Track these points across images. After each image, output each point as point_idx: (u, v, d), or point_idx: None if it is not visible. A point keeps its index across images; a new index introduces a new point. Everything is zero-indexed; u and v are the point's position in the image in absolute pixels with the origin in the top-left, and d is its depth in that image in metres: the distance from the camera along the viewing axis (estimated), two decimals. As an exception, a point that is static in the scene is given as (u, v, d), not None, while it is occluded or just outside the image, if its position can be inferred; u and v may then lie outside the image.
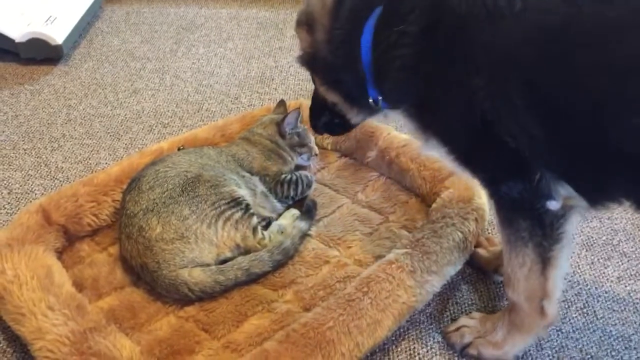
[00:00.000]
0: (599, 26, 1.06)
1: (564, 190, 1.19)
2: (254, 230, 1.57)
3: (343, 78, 1.42)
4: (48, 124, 2.20)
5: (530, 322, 1.34)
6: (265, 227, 1.63)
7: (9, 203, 1.85)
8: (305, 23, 1.44)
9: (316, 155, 1.89)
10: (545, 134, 1.11)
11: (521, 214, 1.23)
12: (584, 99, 1.07)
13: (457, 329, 1.45)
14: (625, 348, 1.44)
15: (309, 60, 1.49)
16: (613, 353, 1.43)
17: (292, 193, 1.76)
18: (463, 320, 1.47)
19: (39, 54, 2.52)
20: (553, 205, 1.20)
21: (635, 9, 1.05)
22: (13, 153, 2.05)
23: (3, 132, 2.15)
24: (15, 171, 1.97)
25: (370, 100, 1.40)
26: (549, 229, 1.23)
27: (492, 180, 1.26)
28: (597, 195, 1.19)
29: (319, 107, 1.59)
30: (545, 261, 1.26)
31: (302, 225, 1.66)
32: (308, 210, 1.70)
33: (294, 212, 1.72)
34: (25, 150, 2.07)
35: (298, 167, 1.86)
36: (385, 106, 1.40)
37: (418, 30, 1.20)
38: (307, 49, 1.48)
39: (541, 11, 1.10)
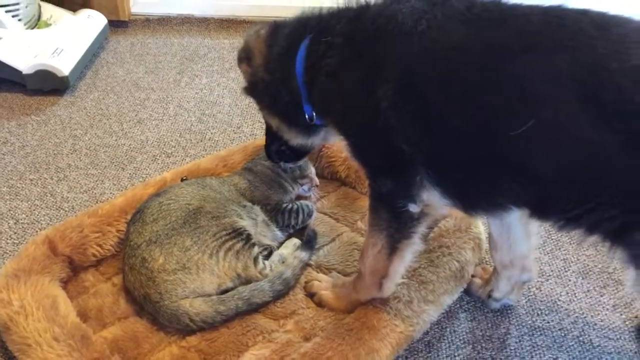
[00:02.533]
0: (489, 48, 1.19)
1: (426, 198, 1.34)
2: (255, 260, 1.60)
3: (280, 97, 1.52)
4: (54, 154, 2.25)
5: (367, 292, 1.52)
6: (267, 256, 1.66)
7: (15, 233, 1.89)
8: (245, 57, 1.58)
9: (317, 185, 1.92)
10: (435, 143, 1.25)
11: (384, 207, 1.39)
12: (470, 112, 1.19)
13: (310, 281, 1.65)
14: (621, 377, 1.47)
15: (251, 88, 1.60)
16: (609, 382, 1.46)
17: (293, 222, 1.79)
18: (320, 276, 1.67)
19: (45, 85, 2.57)
20: (413, 207, 1.35)
21: (523, 31, 1.18)
22: (20, 183, 2.10)
23: (10, 162, 2.20)
24: (21, 201, 2.02)
25: (307, 117, 1.49)
26: (402, 226, 1.39)
27: (372, 172, 1.40)
28: (479, 201, 1.33)
29: (268, 135, 1.70)
30: (393, 249, 1.42)
31: (303, 255, 1.69)
32: (309, 240, 1.74)
33: (295, 241, 1.75)
34: (31, 180, 2.11)
35: (299, 197, 1.90)
36: (319, 122, 1.50)
37: (342, 41, 1.34)
38: (249, 79, 1.60)
39: (442, 31, 1.23)
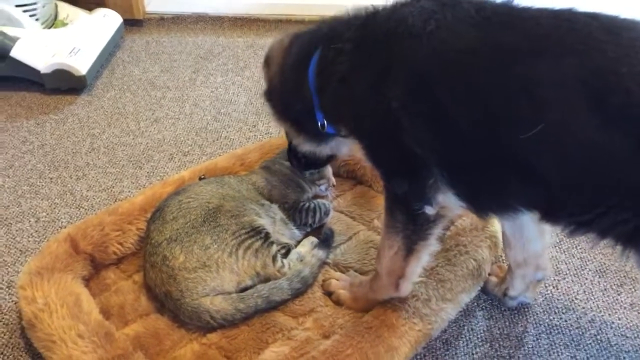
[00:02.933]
0: (497, 50, 1.19)
1: (442, 200, 1.34)
2: (274, 258, 1.62)
3: (292, 105, 1.54)
4: (73, 152, 2.28)
5: (384, 292, 1.54)
6: (285, 254, 1.68)
7: (36, 231, 1.91)
8: (265, 62, 1.63)
9: (334, 185, 1.94)
10: (445, 145, 1.26)
11: (400, 209, 1.41)
12: (480, 115, 1.20)
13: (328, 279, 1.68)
14: (639, 375, 1.48)
15: (267, 94, 1.64)
16: (626, 380, 1.47)
17: (310, 220, 1.81)
18: (337, 275, 1.69)
19: (63, 85, 2.60)
20: (429, 210, 1.36)
21: (532, 34, 1.19)
22: (40, 182, 2.12)
23: (30, 161, 2.23)
24: (42, 200, 2.04)
25: (319, 125, 1.50)
26: (419, 227, 1.40)
27: (387, 175, 1.42)
28: (489, 203, 1.34)
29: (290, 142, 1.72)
30: (409, 250, 1.43)
31: (321, 254, 1.70)
32: (326, 239, 1.75)
33: (313, 239, 1.77)
34: (51, 179, 2.14)
35: (316, 195, 1.91)
36: (330, 130, 1.51)
37: (352, 47, 1.36)
38: (266, 84, 1.64)
39: (451, 32, 1.23)
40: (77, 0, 3.07)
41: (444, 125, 1.24)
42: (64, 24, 2.83)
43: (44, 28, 2.75)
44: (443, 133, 1.25)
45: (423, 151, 1.27)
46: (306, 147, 1.64)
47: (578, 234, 1.24)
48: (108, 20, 2.94)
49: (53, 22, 2.83)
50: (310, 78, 1.44)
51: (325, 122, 1.49)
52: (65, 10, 2.92)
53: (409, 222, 1.40)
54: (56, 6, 2.88)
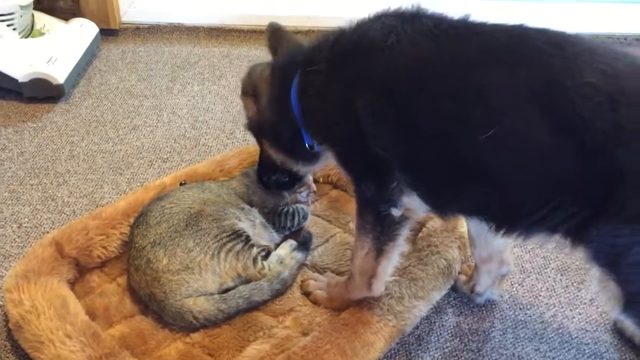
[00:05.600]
0: (454, 61, 1.30)
1: (407, 202, 1.44)
2: (254, 260, 1.69)
3: (284, 135, 1.61)
4: (52, 160, 2.31)
5: (358, 292, 1.61)
6: (265, 257, 1.74)
7: (19, 237, 1.95)
8: (252, 93, 1.66)
9: (314, 192, 2.02)
10: (406, 149, 1.36)
11: (369, 211, 1.49)
12: (437, 122, 1.30)
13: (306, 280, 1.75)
14: (598, 365, 1.58)
15: (257, 126, 1.70)
16: (586, 369, 1.57)
17: (289, 224, 1.88)
18: (315, 276, 1.77)
19: (41, 93, 2.63)
20: (395, 211, 1.46)
21: (485, 47, 1.29)
22: (21, 188, 2.16)
23: (10, 168, 2.26)
24: (23, 206, 2.08)
25: (308, 147, 1.58)
26: (386, 229, 1.49)
27: (357, 179, 1.50)
28: (449, 204, 1.45)
29: (269, 167, 1.79)
30: (379, 251, 1.52)
31: (299, 256, 1.78)
32: (304, 242, 1.83)
33: (292, 242, 1.84)
34: (32, 185, 2.17)
35: (295, 200, 1.98)
36: (318, 148, 1.59)
37: (325, 66, 1.44)
38: (254, 116, 1.68)
39: (410, 45, 1.34)
40: (54, 10, 3.09)
41: (405, 131, 1.35)
42: (41, 34, 2.86)
43: (22, 38, 2.77)
44: (404, 139, 1.35)
45: (387, 154, 1.37)
46: (305, 170, 1.77)
47: (531, 234, 1.34)
48: (84, 30, 2.97)
49: (30, 31, 2.85)
50: (294, 103, 1.51)
51: (313, 141, 1.57)
52: (42, 20, 2.94)
53: (377, 223, 1.49)
54: (33, 16, 2.90)
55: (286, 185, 1.87)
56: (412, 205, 1.46)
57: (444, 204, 1.45)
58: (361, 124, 1.37)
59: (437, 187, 1.41)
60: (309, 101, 1.49)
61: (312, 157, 1.65)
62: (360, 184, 1.48)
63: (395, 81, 1.35)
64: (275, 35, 1.68)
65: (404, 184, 1.40)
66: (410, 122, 1.34)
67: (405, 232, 1.52)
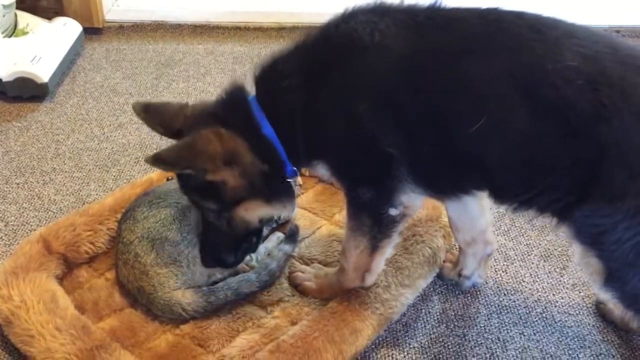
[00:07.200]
0: (437, 52, 1.31)
1: (406, 201, 1.46)
2: (242, 252, 1.70)
3: (274, 178, 1.48)
4: (38, 158, 2.31)
5: (350, 284, 1.63)
6: (253, 249, 1.76)
7: (6, 235, 1.95)
8: (229, 161, 1.41)
9: (300, 185, 2.04)
10: (412, 143, 1.35)
11: (367, 214, 1.49)
12: (432, 113, 1.32)
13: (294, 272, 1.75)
14: (581, 347, 1.61)
15: (249, 188, 1.47)
16: (570, 352, 1.60)
17: (276, 217, 1.90)
18: (302, 268, 1.76)
19: (25, 92, 2.62)
20: (393, 211, 1.47)
21: (465, 35, 1.31)
22: (7, 187, 2.16)
23: (-5, 167, 2.26)
24: (10, 204, 2.08)
25: (287, 177, 1.50)
26: (384, 228, 1.50)
27: (353, 184, 1.48)
28: (449, 187, 1.46)
29: (237, 238, 1.58)
30: (374, 248, 1.54)
31: (287, 248, 1.80)
32: (292, 234, 1.85)
33: (279, 235, 1.86)
34: (18, 184, 2.17)
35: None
36: (292, 175, 1.50)
37: (302, 80, 1.38)
38: (240, 184, 1.45)
39: (395, 40, 1.33)
40: (37, 9, 3.09)
41: (408, 127, 1.35)
42: (25, 33, 2.85)
43: (5, 37, 2.77)
44: (408, 133, 1.35)
45: (399, 153, 1.36)
46: (286, 212, 1.70)
47: (520, 211, 1.37)
48: (68, 29, 2.97)
49: (13, 31, 2.85)
50: (269, 133, 1.43)
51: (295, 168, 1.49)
52: (25, 19, 2.93)
53: (375, 224, 1.49)
54: (16, 15, 2.90)
55: (256, 246, 1.68)
56: (410, 202, 1.48)
57: (444, 188, 1.47)
58: (365, 128, 1.35)
59: (438, 174, 1.42)
60: (292, 121, 1.41)
61: (289, 191, 1.56)
62: (357, 189, 1.46)
63: (390, 80, 1.34)
64: (149, 111, 1.54)
65: (408, 178, 1.40)
66: (410, 119, 1.34)
67: (401, 227, 1.55)
